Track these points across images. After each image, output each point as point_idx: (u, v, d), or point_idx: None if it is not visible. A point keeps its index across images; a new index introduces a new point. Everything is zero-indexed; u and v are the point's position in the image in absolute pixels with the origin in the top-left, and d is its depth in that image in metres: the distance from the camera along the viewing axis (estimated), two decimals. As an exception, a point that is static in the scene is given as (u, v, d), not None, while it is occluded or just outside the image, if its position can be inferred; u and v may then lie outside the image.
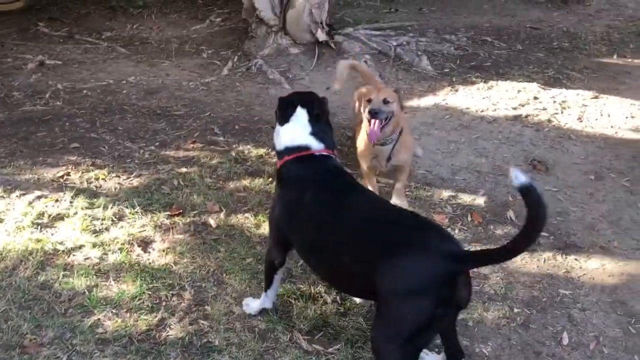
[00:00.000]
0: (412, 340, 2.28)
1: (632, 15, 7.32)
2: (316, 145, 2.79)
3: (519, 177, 2.08)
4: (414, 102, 5.13)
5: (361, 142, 3.78)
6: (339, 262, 2.50)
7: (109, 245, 3.42)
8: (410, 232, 2.40)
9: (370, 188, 3.75)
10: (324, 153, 2.81)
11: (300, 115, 2.84)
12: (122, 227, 3.57)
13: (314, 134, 2.81)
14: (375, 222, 2.49)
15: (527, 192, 2.08)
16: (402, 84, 5.51)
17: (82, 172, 4.08)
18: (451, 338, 2.63)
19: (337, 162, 2.86)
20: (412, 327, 2.26)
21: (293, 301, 3.08)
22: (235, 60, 6.06)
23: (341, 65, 4.34)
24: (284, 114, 2.87)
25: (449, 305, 2.28)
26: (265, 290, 2.95)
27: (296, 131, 2.81)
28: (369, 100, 3.50)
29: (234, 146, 4.48)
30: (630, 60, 6.17)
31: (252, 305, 3.01)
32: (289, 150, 2.79)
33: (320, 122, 2.87)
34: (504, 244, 2.22)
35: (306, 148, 2.78)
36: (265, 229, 3.58)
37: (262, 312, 2.99)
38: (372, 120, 3.47)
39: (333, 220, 2.56)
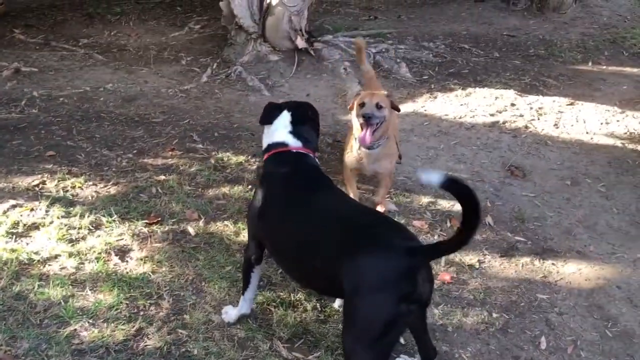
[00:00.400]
0: (380, 339, 2.27)
1: (606, 23, 7.46)
2: (293, 143, 2.89)
3: (431, 177, 2.16)
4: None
5: (349, 144, 3.77)
6: (307, 259, 2.53)
7: (86, 254, 3.37)
8: (369, 230, 2.41)
9: (350, 193, 3.77)
10: (302, 151, 2.88)
11: (284, 117, 2.97)
12: (99, 236, 3.52)
13: (293, 133, 2.92)
14: (339, 220, 2.53)
15: (449, 185, 2.16)
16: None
17: (58, 181, 4.02)
18: (423, 337, 2.65)
19: (314, 161, 2.91)
20: (377, 326, 2.26)
21: (273, 309, 3.07)
22: (214, 67, 6.03)
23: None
24: (269, 116, 3.00)
25: (410, 300, 2.28)
26: (243, 293, 2.95)
27: (277, 130, 2.95)
28: (362, 105, 3.48)
29: (213, 153, 4.45)
30: (604, 67, 6.28)
31: (231, 313, 2.99)
32: (269, 147, 2.93)
33: (303, 126, 2.97)
34: (452, 236, 2.26)
35: (284, 145, 2.89)
36: (244, 236, 3.57)
37: (241, 319, 2.98)
38: (365, 125, 3.45)
39: (301, 217, 2.61)
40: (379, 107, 3.45)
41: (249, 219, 2.95)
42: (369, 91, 3.72)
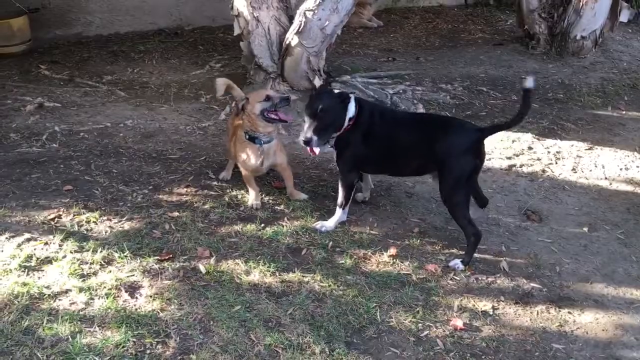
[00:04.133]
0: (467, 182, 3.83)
1: (626, 68, 7.44)
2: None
3: (529, 82, 3.59)
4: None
5: (243, 146, 4.22)
6: (408, 158, 3.92)
7: (96, 290, 3.37)
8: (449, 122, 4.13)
9: (253, 193, 4.28)
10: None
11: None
12: (110, 271, 3.52)
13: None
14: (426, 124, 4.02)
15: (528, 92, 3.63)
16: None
17: (74, 215, 4.06)
18: (477, 189, 4.11)
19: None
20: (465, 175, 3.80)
21: (280, 351, 3.02)
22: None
23: (219, 82, 4.68)
24: (346, 99, 3.92)
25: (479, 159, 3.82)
26: (344, 207, 4.02)
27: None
28: (268, 98, 4.11)
29: (228, 191, 4.47)
30: (624, 112, 6.24)
31: (328, 223, 4.00)
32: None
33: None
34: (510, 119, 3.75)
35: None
36: (254, 275, 3.55)
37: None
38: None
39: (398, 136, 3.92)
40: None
41: (349, 158, 3.96)
42: (260, 91, 4.48)
